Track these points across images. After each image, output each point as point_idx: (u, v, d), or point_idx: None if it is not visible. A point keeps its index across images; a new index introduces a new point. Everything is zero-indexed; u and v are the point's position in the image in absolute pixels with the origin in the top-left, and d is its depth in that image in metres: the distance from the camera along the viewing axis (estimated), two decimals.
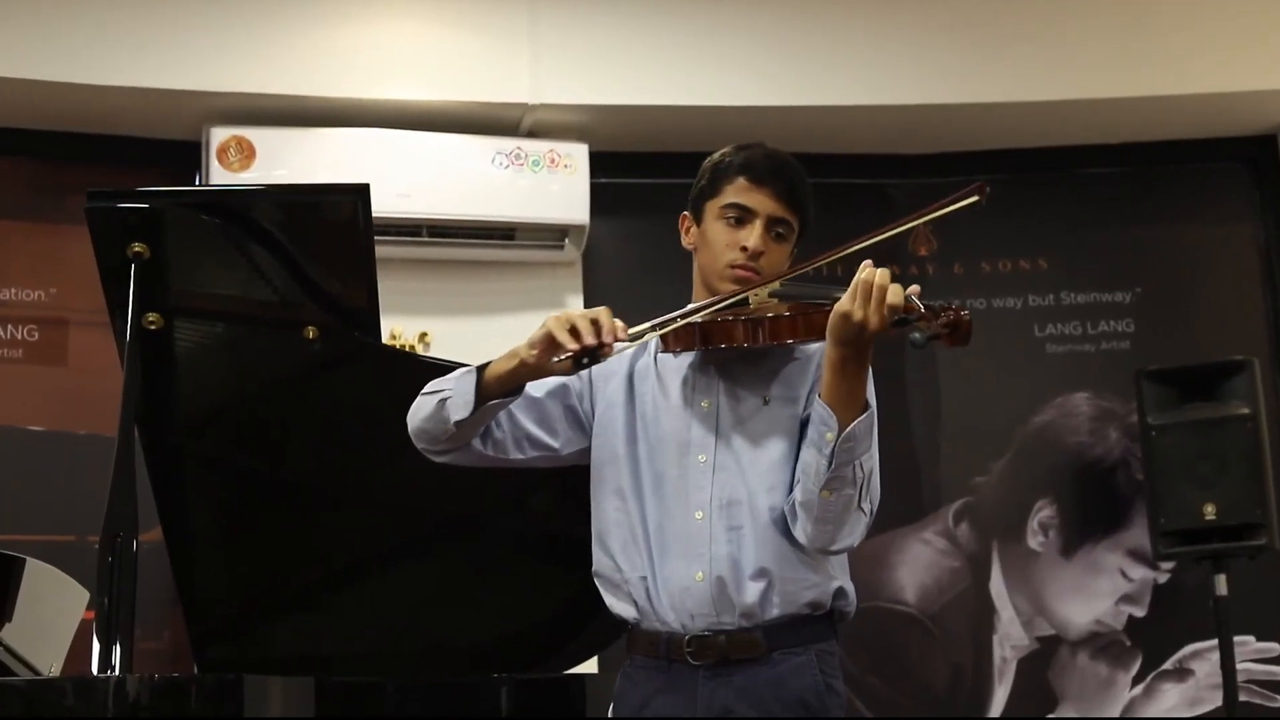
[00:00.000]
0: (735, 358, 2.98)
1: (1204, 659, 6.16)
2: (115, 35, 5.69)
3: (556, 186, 6.03)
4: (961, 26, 6.21)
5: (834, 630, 2.99)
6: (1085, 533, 6.32)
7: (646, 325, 2.92)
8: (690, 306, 3.04)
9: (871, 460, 2.81)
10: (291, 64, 5.83)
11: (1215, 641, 5.62)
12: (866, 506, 2.83)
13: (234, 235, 3.38)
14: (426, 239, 5.94)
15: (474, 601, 3.89)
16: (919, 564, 6.32)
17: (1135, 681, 6.22)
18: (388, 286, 3.51)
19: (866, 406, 2.77)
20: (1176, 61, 6.16)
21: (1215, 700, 6.04)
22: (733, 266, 3.00)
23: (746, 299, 2.94)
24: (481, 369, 2.97)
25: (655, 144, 6.18)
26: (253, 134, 5.79)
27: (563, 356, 2.80)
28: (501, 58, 5.99)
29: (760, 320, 2.87)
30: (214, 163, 5.75)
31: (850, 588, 2.99)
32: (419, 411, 3.03)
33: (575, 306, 6.13)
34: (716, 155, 3.12)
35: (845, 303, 2.68)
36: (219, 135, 5.78)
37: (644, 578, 2.96)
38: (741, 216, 3.01)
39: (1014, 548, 6.32)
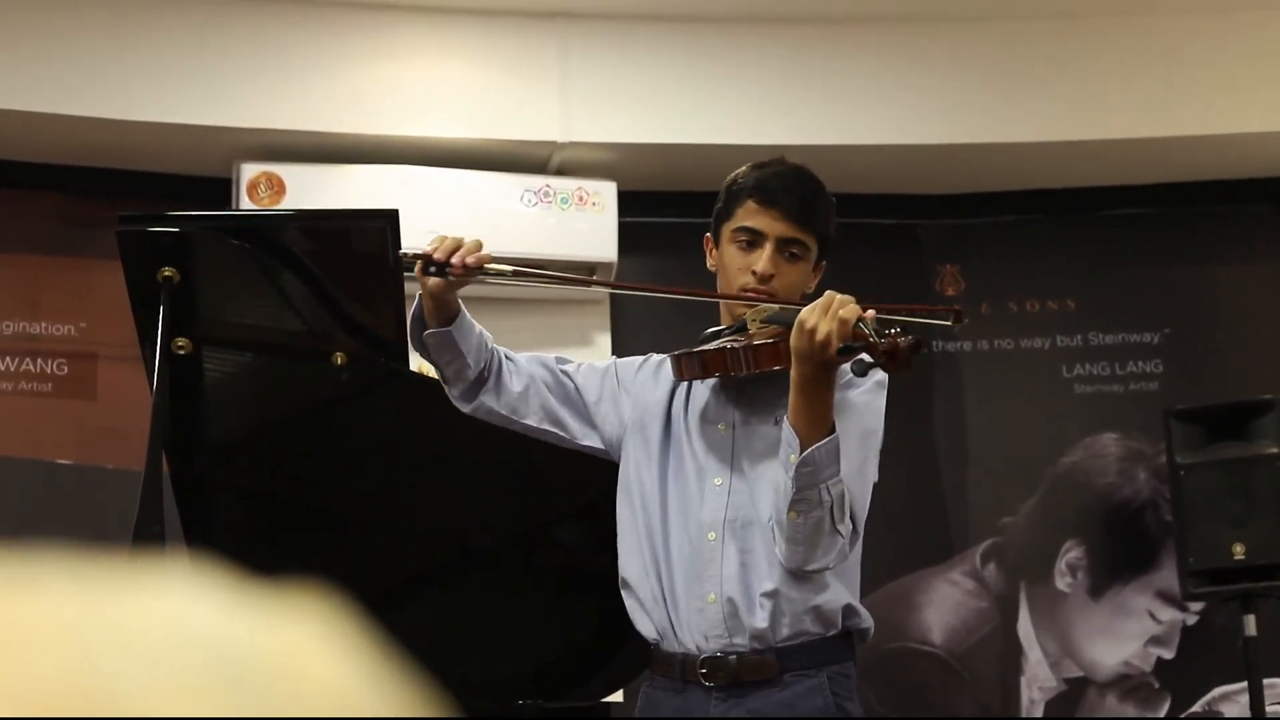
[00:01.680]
0: (750, 382, 3.00)
1: (1233, 701, 6.11)
2: (147, 71, 5.73)
3: (585, 224, 6.05)
4: (990, 66, 6.22)
5: (850, 652, 2.99)
6: (1114, 574, 6.29)
7: (507, 268, 3.01)
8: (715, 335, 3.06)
9: (840, 485, 2.80)
10: (322, 101, 5.86)
11: (1245, 684, 5.58)
12: (843, 529, 2.83)
13: (263, 260, 3.40)
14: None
15: (498, 633, 3.89)
16: (946, 604, 6.29)
17: None
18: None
19: (832, 430, 2.77)
20: (1205, 101, 6.16)
21: None
22: (745, 290, 3.01)
23: (746, 324, 2.96)
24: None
25: (683, 182, 6.19)
26: (283, 170, 5.83)
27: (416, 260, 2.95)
28: (531, 96, 6.02)
29: (746, 349, 2.89)
30: (244, 198, 5.78)
31: (861, 607, 2.99)
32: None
33: (603, 343, 6.15)
34: (732, 175, 3.13)
35: (805, 312, 2.71)
36: (249, 171, 5.81)
37: (663, 599, 2.98)
38: (752, 239, 3.02)
39: (1042, 589, 6.29)
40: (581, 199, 6.06)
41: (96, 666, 0.37)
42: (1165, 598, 6.20)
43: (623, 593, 3.06)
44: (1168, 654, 6.23)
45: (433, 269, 2.91)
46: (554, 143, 6.01)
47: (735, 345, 2.91)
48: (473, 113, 6.00)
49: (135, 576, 0.40)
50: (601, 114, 6.06)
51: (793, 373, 2.75)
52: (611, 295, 6.23)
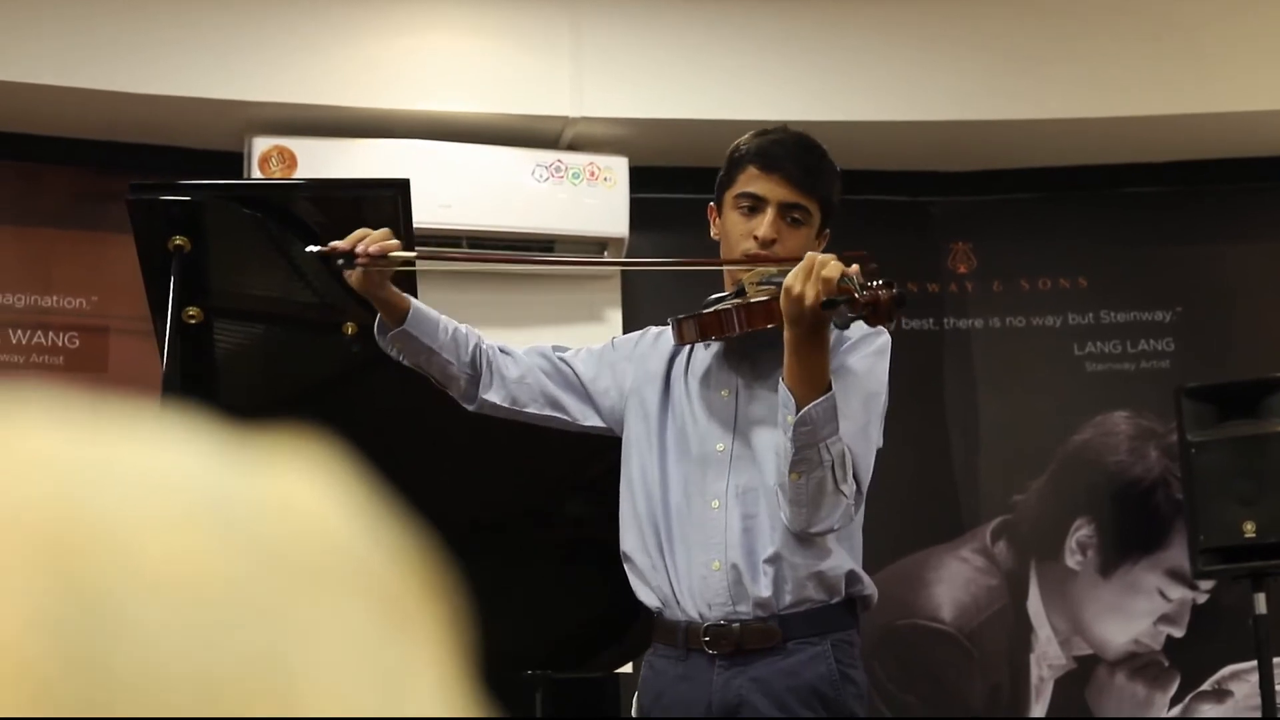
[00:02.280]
0: (754, 347, 3.01)
1: (1243, 680, 6.11)
2: (159, 45, 5.73)
3: (596, 199, 6.04)
4: (1003, 43, 6.20)
5: (854, 620, 3.00)
6: (1124, 552, 6.29)
7: (409, 254, 3.03)
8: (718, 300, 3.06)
9: (840, 444, 2.81)
10: (334, 75, 5.86)
11: (1255, 663, 5.58)
12: (846, 489, 2.84)
13: (274, 230, 3.40)
14: (466, 250, 5.96)
15: (510, 608, 3.89)
16: (956, 582, 6.29)
17: (1173, 702, 6.18)
18: (427, 298, 3.52)
19: (828, 389, 2.78)
20: (1220, 79, 6.14)
21: None
22: (747, 255, 3.01)
23: (744, 288, 2.97)
24: None
25: (695, 158, 6.18)
26: (295, 144, 5.83)
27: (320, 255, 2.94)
28: (543, 71, 6.01)
29: (739, 308, 2.90)
30: (256, 172, 5.79)
31: (864, 573, 3.00)
32: None
33: (614, 319, 6.15)
34: (735, 143, 3.14)
35: (789, 278, 2.72)
36: (261, 145, 5.81)
37: (665, 567, 2.98)
38: (754, 205, 3.03)
39: (1052, 566, 6.29)
40: (593, 174, 6.06)
41: (84, 494, 0.37)
42: (1175, 576, 6.19)
43: (624, 562, 3.07)
44: (1177, 632, 6.23)
45: (339, 261, 2.90)
46: (566, 118, 6.01)
47: (730, 306, 2.92)
48: (485, 87, 5.99)
49: (128, 420, 0.40)
50: (613, 89, 6.05)
51: (785, 335, 2.76)
52: (623, 272, 6.23)
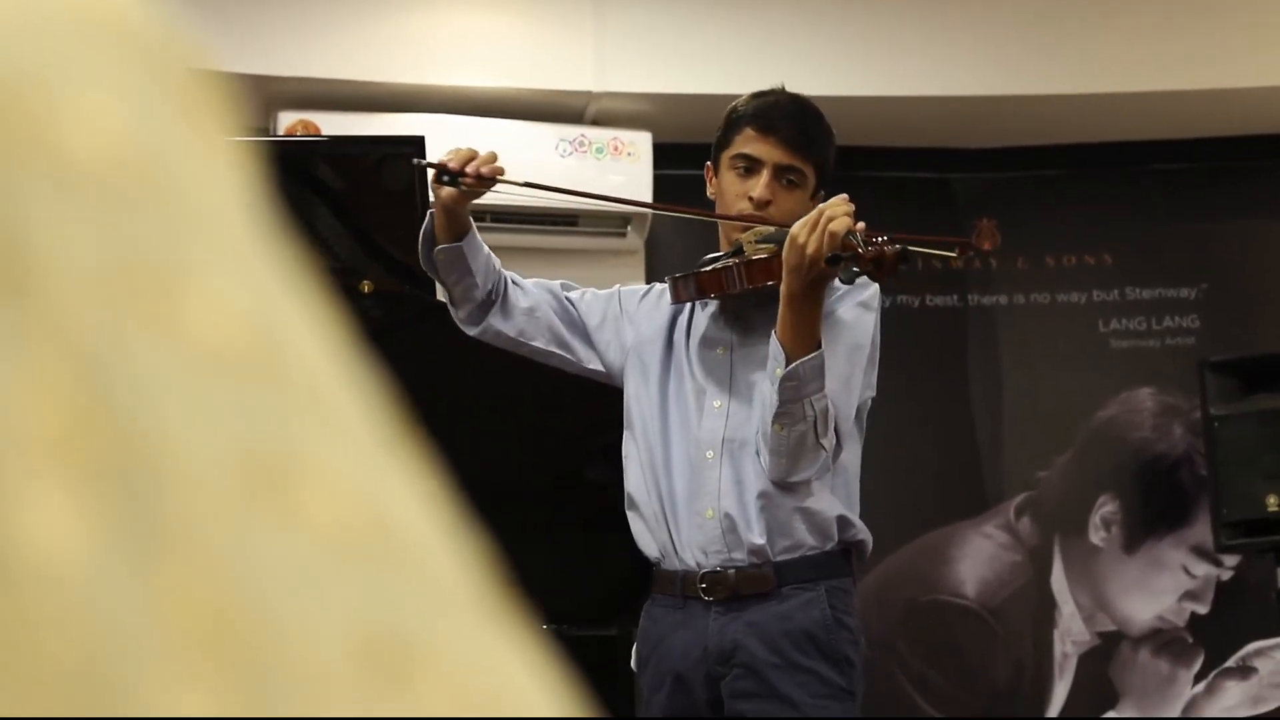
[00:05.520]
0: (750, 306, 3.03)
1: (1268, 657, 6.09)
2: (184, 19, 5.75)
3: (619, 175, 6.05)
4: (1028, 18, 6.19)
5: (848, 567, 3.04)
6: (1148, 528, 6.28)
7: (517, 181, 3.06)
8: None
9: (824, 400, 2.84)
10: (358, 49, 5.88)
11: (1278, 639, 5.57)
12: (826, 444, 2.90)
13: (288, 188, 3.42)
14: (490, 225, 5.97)
15: (530, 569, 3.91)
16: (980, 558, 6.28)
17: (1197, 679, 6.16)
18: None
19: (818, 346, 2.80)
20: (1247, 54, 6.11)
21: (1278, 699, 5.98)
22: (746, 215, 3.03)
23: (742, 246, 2.99)
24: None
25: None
26: (320, 119, 5.85)
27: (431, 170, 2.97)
28: (567, 45, 6.03)
29: (739, 265, 2.92)
30: None
31: (857, 520, 3.03)
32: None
33: None
34: (733, 104, 3.16)
35: (796, 227, 2.74)
36: (286, 119, 5.84)
37: (664, 517, 3.02)
38: (750, 166, 3.05)
39: (1076, 543, 6.28)
40: (616, 149, 6.07)
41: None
42: (1200, 552, 6.18)
43: (629, 514, 3.11)
44: (1202, 609, 6.21)
45: (446, 178, 2.93)
46: (589, 93, 6.02)
47: (729, 264, 2.95)
48: (509, 62, 6.01)
49: None
50: (637, 64, 6.06)
51: (783, 287, 2.79)
52: (647, 244, 6.24)
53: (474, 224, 3.05)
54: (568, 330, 3.17)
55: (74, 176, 0.37)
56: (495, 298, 3.10)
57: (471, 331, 3.12)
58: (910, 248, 2.69)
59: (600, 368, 3.19)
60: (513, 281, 3.14)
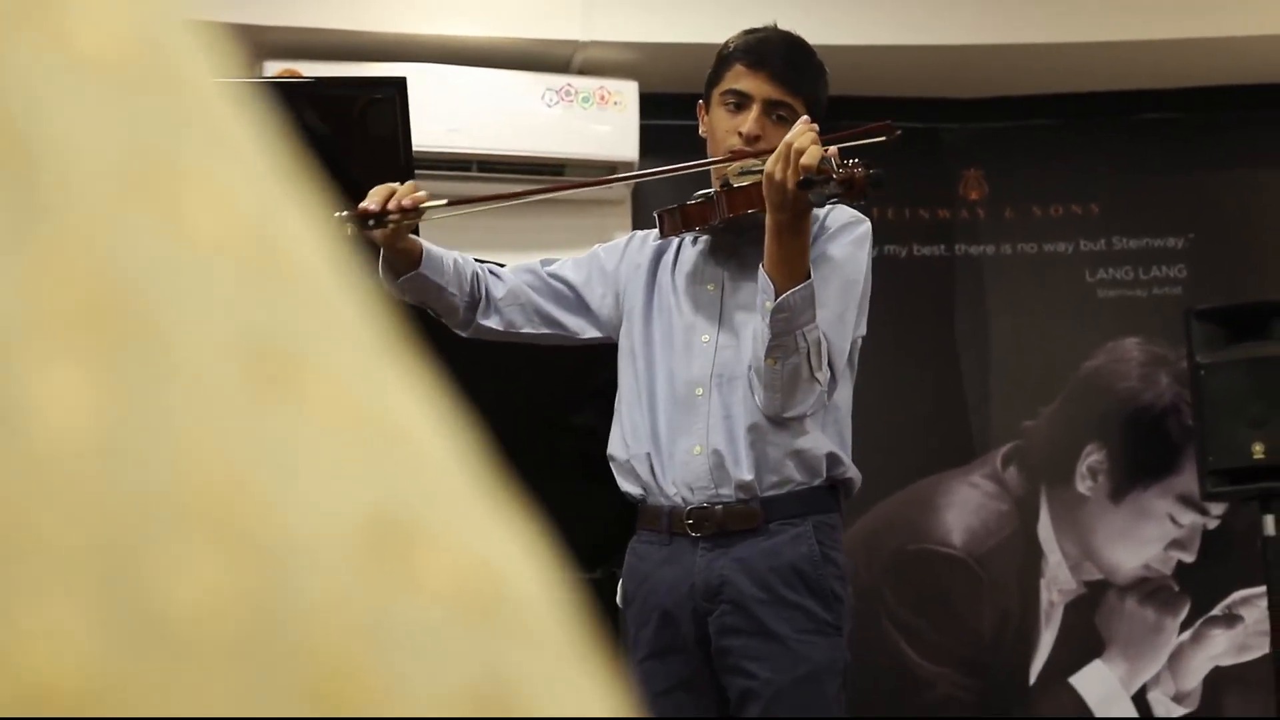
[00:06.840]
0: (741, 242, 3.05)
1: (1253, 605, 6.11)
2: None
3: (606, 125, 6.04)
4: None
5: (835, 503, 3.05)
6: (1134, 478, 6.29)
7: (440, 203, 2.95)
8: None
9: (816, 331, 2.86)
10: None
11: (1264, 588, 5.59)
12: (821, 377, 2.90)
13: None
14: (476, 174, 5.96)
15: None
16: (966, 507, 6.30)
17: (1183, 627, 6.19)
18: (436, 222, 3.53)
19: (807, 276, 2.81)
20: (1235, 3, 6.10)
21: (1263, 647, 5.99)
22: (731, 151, 3.04)
23: (729, 181, 3.00)
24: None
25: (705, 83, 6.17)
26: (305, 67, 5.82)
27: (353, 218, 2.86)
28: None
29: (720, 195, 2.95)
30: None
31: (847, 458, 3.04)
32: None
33: None
34: (725, 42, 3.17)
35: (769, 163, 2.76)
36: (272, 69, 5.81)
37: (649, 454, 3.03)
38: (739, 102, 3.07)
39: (1062, 492, 6.30)
40: (603, 99, 6.05)
41: None
42: (1186, 501, 6.19)
43: (610, 461, 3.12)
44: (1188, 558, 6.23)
45: (371, 223, 2.87)
46: (576, 41, 6.00)
47: (712, 193, 2.98)
48: (495, 10, 5.98)
49: None
50: (624, 13, 6.03)
51: (767, 221, 2.81)
52: (633, 194, 6.23)
53: (424, 243, 2.98)
54: (554, 305, 3.17)
55: (83, 65, 0.38)
56: (479, 297, 3.09)
57: (465, 334, 3.12)
58: (870, 166, 2.72)
59: (597, 333, 3.19)
60: (491, 273, 3.13)
